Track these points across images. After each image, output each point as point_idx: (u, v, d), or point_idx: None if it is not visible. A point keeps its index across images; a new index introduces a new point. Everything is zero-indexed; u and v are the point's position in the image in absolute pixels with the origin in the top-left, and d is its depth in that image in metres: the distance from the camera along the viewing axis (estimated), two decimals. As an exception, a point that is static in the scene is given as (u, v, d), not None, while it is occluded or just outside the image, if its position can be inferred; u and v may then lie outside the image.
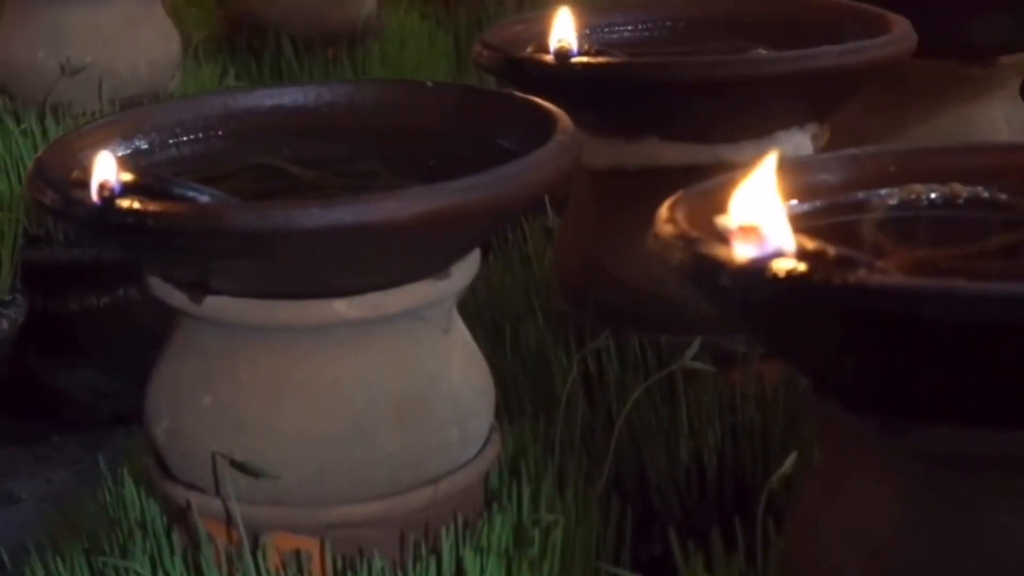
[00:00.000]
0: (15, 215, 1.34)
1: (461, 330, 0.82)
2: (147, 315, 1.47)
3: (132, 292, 1.47)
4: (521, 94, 0.84)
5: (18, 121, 1.44)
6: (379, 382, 0.77)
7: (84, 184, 0.73)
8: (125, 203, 0.71)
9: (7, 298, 1.34)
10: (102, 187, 0.71)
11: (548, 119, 0.80)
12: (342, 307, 0.75)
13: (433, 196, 0.71)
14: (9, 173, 1.41)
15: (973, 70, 1.16)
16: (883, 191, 0.71)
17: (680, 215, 0.64)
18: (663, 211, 0.64)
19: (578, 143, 0.78)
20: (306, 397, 0.77)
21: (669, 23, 1.04)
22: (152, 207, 0.70)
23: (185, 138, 0.85)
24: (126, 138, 0.82)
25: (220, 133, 0.86)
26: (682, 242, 0.61)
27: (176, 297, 0.77)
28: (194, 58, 1.57)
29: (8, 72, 1.46)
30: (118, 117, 0.82)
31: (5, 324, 1.31)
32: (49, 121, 1.43)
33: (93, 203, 0.71)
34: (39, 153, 0.78)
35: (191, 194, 0.72)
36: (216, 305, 0.76)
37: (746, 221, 0.59)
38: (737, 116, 0.91)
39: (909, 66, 0.97)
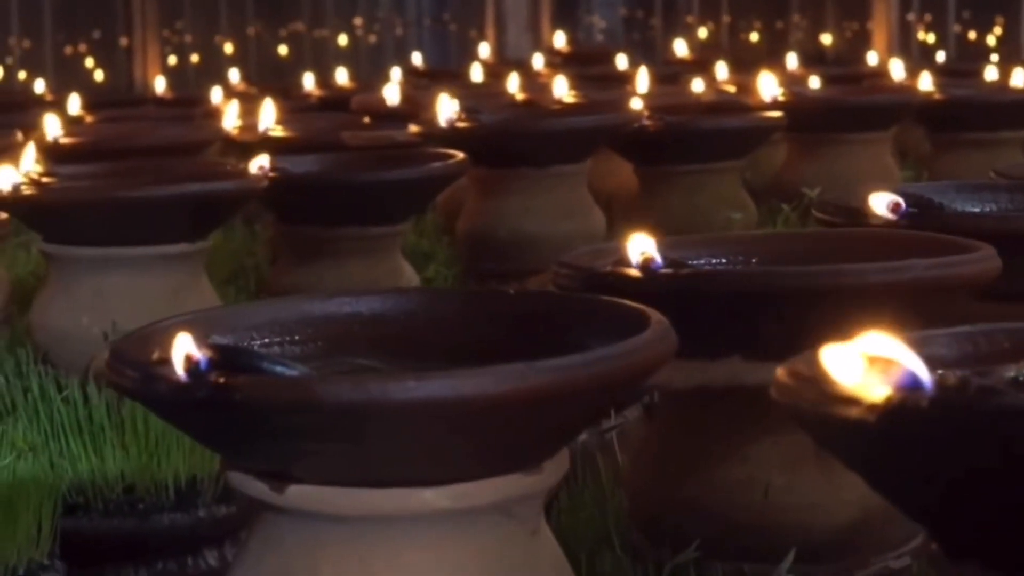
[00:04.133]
0: (57, 482, 1.31)
1: (548, 535, 0.78)
2: (184, 590, 1.44)
3: (171, 566, 1.43)
4: (609, 298, 0.82)
5: (60, 388, 1.42)
6: (467, 581, 0.73)
7: (165, 363, 0.71)
8: (211, 377, 0.68)
9: (46, 562, 1.30)
10: (188, 360, 0.68)
11: (640, 317, 0.77)
12: (430, 496, 0.72)
13: (532, 372, 0.68)
14: (50, 442, 1.38)
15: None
16: (999, 367, 0.69)
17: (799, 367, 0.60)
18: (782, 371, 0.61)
19: (674, 335, 0.75)
20: (392, 598, 0.73)
21: (741, 259, 1.03)
22: (240, 380, 0.67)
23: (259, 341, 0.82)
24: (201, 337, 0.79)
25: (296, 338, 0.83)
26: (811, 385, 0.57)
27: (257, 488, 0.73)
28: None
29: (50, 339, 1.44)
30: (194, 316, 0.80)
31: (42, 587, 1.27)
32: (91, 389, 1.41)
33: (177, 378, 0.69)
34: (114, 342, 0.75)
35: (279, 369, 0.70)
36: (299, 494, 0.72)
37: (880, 355, 0.56)
38: (826, 329, 0.88)
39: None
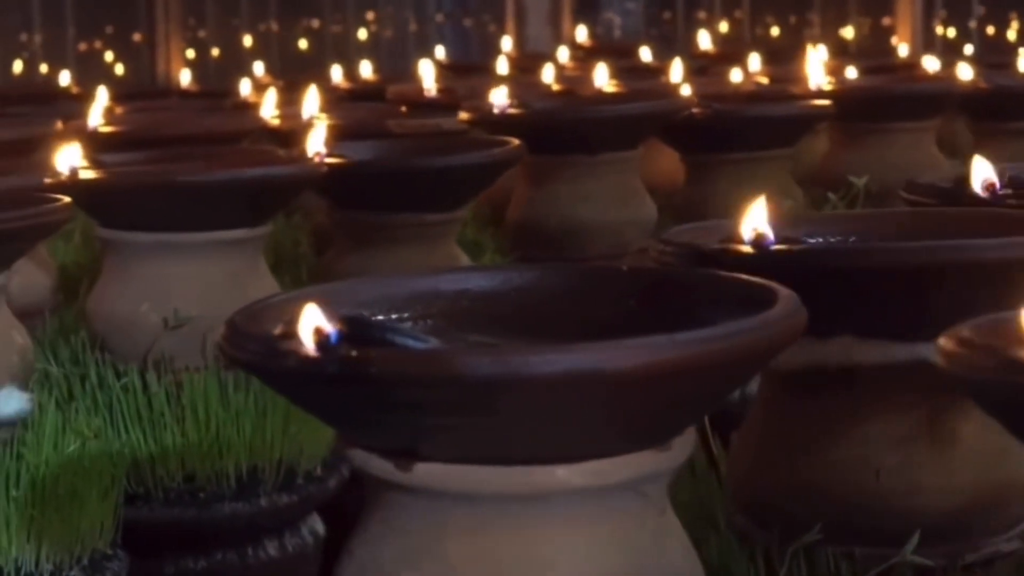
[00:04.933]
0: (119, 470, 1.29)
1: (673, 515, 0.76)
2: (244, 580, 1.42)
3: (231, 556, 1.41)
4: (730, 273, 0.80)
5: (118, 376, 1.39)
6: (601, 564, 0.71)
7: (289, 337, 0.68)
8: (343, 350, 0.66)
9: (109, 552, 1.28)
10: (318, 333, 0.66)
11: (766, 292, 0.75)
12: (563, 474, 0.70)
13: (674, 344, 0.66)
14: (109, 430, 1.35)
15: None
16: None
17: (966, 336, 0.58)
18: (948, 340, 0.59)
19: (805, 310, 0.73)
20: (519, 577, 0.71)
21: (839, 236, 1.01)
22: (375, 353, 0.65)
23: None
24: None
25: (405, 314, 0.81)
26: (987, 353, 0.55)
27: (381, 466, 0.71)
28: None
29: (107, 326, 1.42)
30: (304, 292, 0.78)
31: (109, 575, 1.25)
32: (151, 376, 1.38)
33: (307, 352, 0.67)
34: (231, 316, 0.73)
35: (411, 342, 0.67)
36: (426, 473, 0.70)
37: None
38: (940, 306, 0.86)
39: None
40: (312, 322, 0.67)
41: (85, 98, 2.77)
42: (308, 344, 0.67)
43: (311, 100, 1.91)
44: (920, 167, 1.98)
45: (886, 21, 4.67)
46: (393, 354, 0.66)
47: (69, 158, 1.40)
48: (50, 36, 3.77)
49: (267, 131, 2.01)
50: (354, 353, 0.65)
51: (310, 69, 3.75)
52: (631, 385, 0.66)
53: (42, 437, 1.25)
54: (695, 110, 1.81)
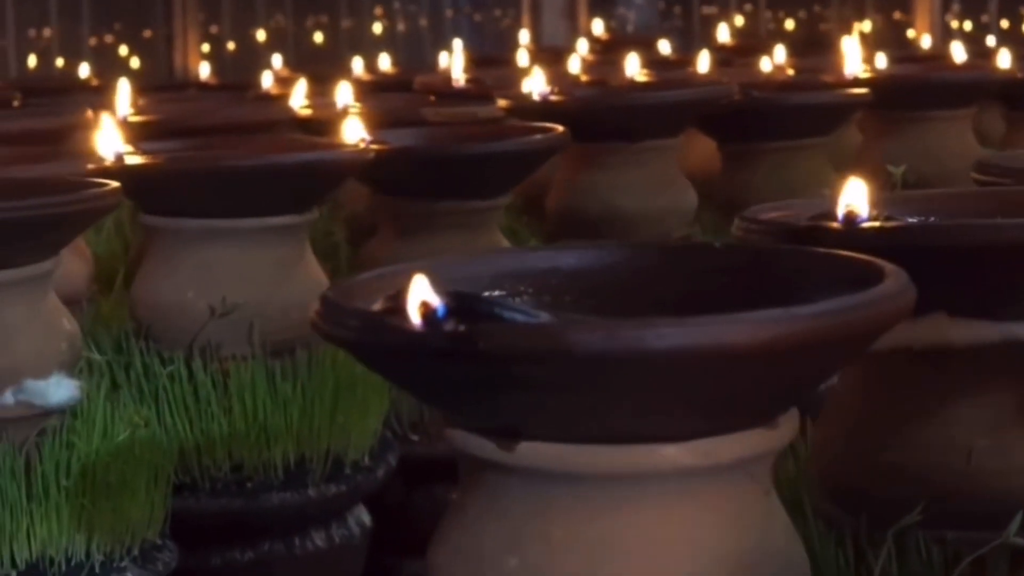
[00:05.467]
0: (167, 459, 1.27)
1: (776, 498, 0.74)
2: (291, 572, 1.40)
3: (278, 547, 1.39)
4: (826, 250, 0.78)
5: (164, 364, 1.37)
6: (708, 545, 0.69)
7: (391, 312, 0.66)
8: (450, 325, 0.64)
9: (159, 542, 1.26)
10: (424, 307, 0.64)
11: (870, 268, 0.73)
12: (672, 453, 0.68)
13: (791, 319, 0.64)
14: (155, 419, 1.33)
15: None
16: None
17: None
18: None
19: (914, 286, 0.71)
20: (626, 560, 0.68)
21: (918, 216, 0.98)
22: (484, 327, 0.63)
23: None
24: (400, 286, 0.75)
25: (495, 293, 0.79)
26: None
27: (482, 445, 0.69)
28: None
29: (152, 313, 1.39)
30: (395, 269, 0.76)
31: (160, 567, 1.23)
32: (196, 364, 1.36)
33: (412, 327, 0.64)
34: (325, 293, 0.71)
35: (519, 316, 0.65)
36: (530, 452, 0.68)
37: None
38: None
39: None
40: (418, 296, 0.65)
41: (105, 90, 2.75)
42: (414, 319, 0.65)
43: (345, 89, 1.89)
44: (957, 155, 1.96)
45: (896, 16, 4.66)
46: (503, 328, 0.64)
47: (113, 144, 1.38)
48: (65, 30, 3.75)
49: (297, 121, 1.99)
50: (462, 327, 0.63)
51: (325, 63, 3.73)
52: (747, 360, 0.64)
53: (92, 426, 1.23)
54: (735, 98, 1.79)
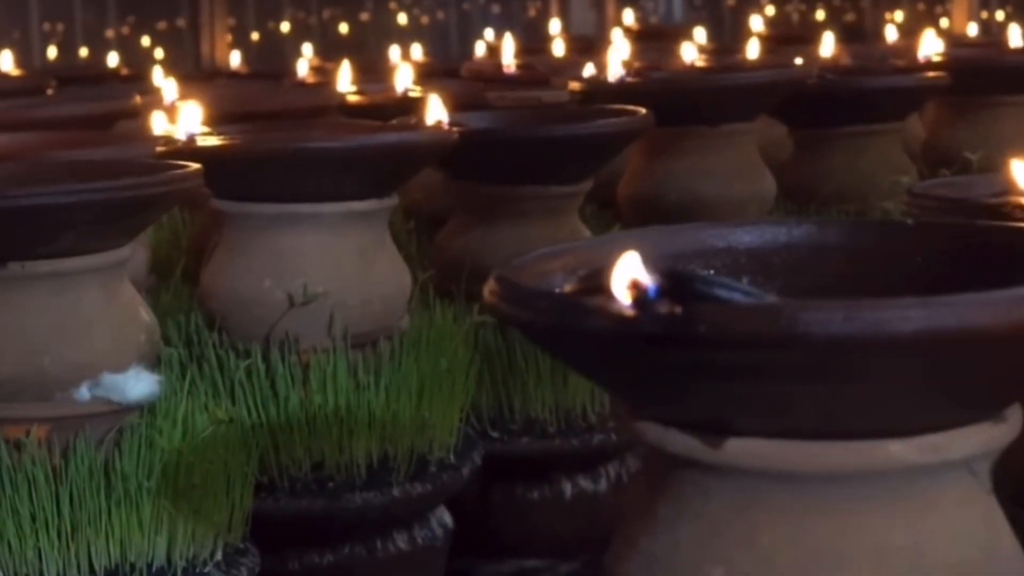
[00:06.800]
0: (252, 459, 1.20)
1: (996, 499, 0.66)
2: (372, 575, 1.33)
3: (359, 550, 1.32)
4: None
5: (239, 357, 1.30)
6: (932, 550, 0.62)
7: (585, 293, 0.59)
8: (665, 306, 0.56)
9: (240, 545, 1.19)
10: (635, 287, 0.57)
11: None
12: (897, 449, 0.61)
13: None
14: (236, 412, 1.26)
15: None
16: None
17: None
18: None
19: None
20: (844, 567, 0.61)
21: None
22: (706, 309, 0.56)
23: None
24: (578, 267, 0.68)
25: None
26: None
27: (683, 443, 0.62)
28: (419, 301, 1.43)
29: (225, 304, 1.32)
30: (577, 245, 0.69)
31: (244, 572, 1.16)
32: (275, 356, 1.29)
33: (619, 310, 0.57)
34: (498, 271, 0.64)
35: (741, 297, 0.58)
36: (739, 449, 0.61)
37: None
38: None
39: None
40: (627, 275, 0.57)
41: (136, 79, 2.69)
42: (621, 300, 0.57)
43: (404, 74, 1.82)
44: (1030, 141, 1.90)
45: (920, 7, 4.61)
46: (727, 310, 0.56)
47: (187, 125, 1.31)
48: (88, 22, 3.68)
49: (349, 107, 1.92)
50: (678, 309, 0.56)
51: (350, 54, 3.66)
52: (994, 345, 0.57)
53: (173, 423, 1.15)
54: (817, 80, 1.72)
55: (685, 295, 0.57)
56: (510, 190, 1.45)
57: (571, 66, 2.28)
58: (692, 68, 2.00)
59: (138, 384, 1.14)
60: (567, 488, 1.48)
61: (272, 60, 3.62)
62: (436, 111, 1.41)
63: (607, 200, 1.76)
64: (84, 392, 1.13)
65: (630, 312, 0.57)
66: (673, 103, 1.60)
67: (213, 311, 1.33)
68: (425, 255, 1.59)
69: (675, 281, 0.57)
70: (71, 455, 1.11)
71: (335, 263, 1.30)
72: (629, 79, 1.63)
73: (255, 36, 3.87)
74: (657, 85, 1.63)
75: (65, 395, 1.12)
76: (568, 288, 0.61)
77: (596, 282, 0.60)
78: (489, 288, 0.63)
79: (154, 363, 1.17)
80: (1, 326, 1.10)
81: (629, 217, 1.68)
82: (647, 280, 0.57)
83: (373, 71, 2.68)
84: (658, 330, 0.56)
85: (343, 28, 4.12)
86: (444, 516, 1.37)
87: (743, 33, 3.74)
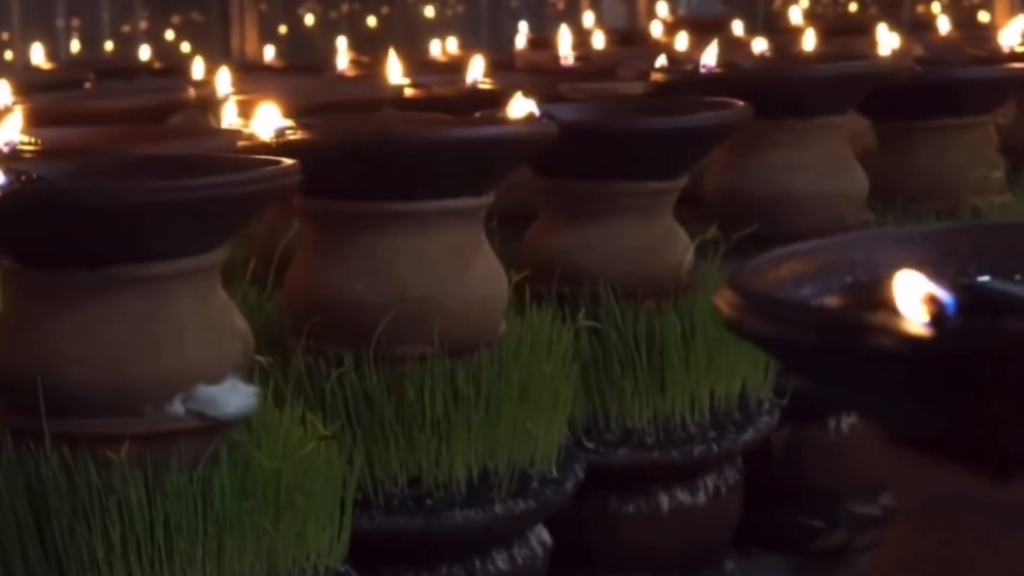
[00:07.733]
0: (352, 477, 1.12)
1: None
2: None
3: (456, 570, 1.24)
4: None
5: (329, 365, 1.22)
6: None
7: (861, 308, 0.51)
8: (968, 324, 0.48)
9: (341, 569, 1.11)
10: (932, 302, 0.49)
11: None
12: None
13: None
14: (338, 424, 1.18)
15: None
16: None
17: None
18: None
19: None
20: None
21: None
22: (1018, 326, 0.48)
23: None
24: (820, 273, 0.59)
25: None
26: None
27: (955, 479, 0.54)
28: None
29: (313, 308, 1.24)
30: (805, 249, 0.60)
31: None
32: (368, 365, 1.21)
33: (913, 328, 0.49)
34: (735, 280, 0.56)
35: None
36: (1031, 487, 0.53)
37: None
38: None
39: None
40: (919, 288, 0.49)
41: (170, 73, 2.61)
42: (910, 316, 0.49)
43: (476, 66, 1.74)
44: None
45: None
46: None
47: (271, 119, 1.23)
48: (114, 16, 3.61)
49: (407, 101, 1.83)
50: (985, 326, 0.48)
51: (379, 46, 3.58)
52: None
53: (274, 439, 1.07)
54: (914, 71, 1.64)
55: (985, 310, 0.49)
56: (603, 186, 1.37)
57: (617, 58, 2.20)
58: (773, 59, 1.92)
59: (235, 397, 1.06)
60: (664, 501, 1.40)
61: (299, 54, 3.54)
62: (523, 104, 1.33)
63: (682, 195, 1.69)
64: (177, 406, 1.04)
65: (927, 330, 0.49)
66: (768, 94, 1.52)
67: (298, 316, 1.25)
68: (510, 256, 1.50)
69: (975, 295, 0.49)
70: (164, 474, 1.03)
71: (432, 265, 1.22)
72: (717, 70, 1.55)
73: (283, 29, 3.79)
74: (751, 76, 1.55)
75: (157, 409, 1.04)
76: (832, 301, 0.52)
77: (866, 295, 0.51)
78: (728, 300, 0.55)
79: (249, 374, 1.09)
80: (87, 335, 1.02)
81: (715, 212, 1.60)
82: (943, 294, 0.49)
83: (412, 64, 2.61)
84: (967, 349, 0.48)
85: (371, 21, 4.05)
86: (543, 533, 1.29)
87: (778, 25, 3.66)
